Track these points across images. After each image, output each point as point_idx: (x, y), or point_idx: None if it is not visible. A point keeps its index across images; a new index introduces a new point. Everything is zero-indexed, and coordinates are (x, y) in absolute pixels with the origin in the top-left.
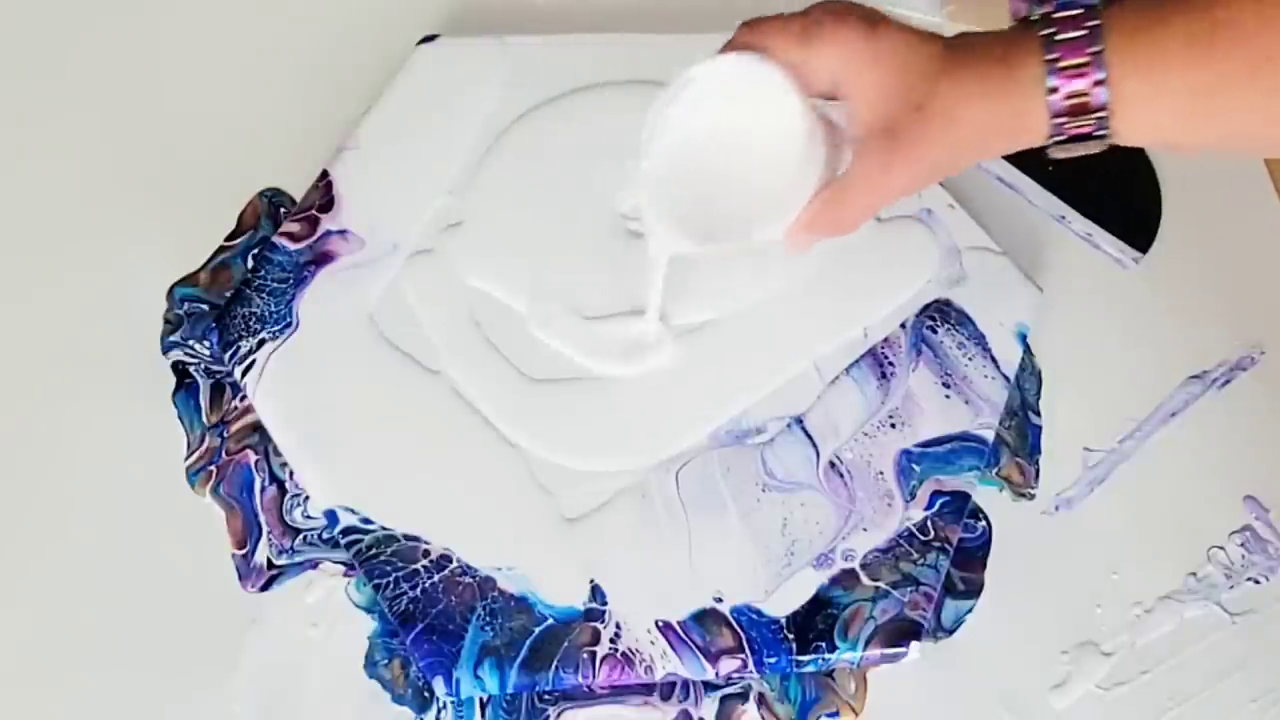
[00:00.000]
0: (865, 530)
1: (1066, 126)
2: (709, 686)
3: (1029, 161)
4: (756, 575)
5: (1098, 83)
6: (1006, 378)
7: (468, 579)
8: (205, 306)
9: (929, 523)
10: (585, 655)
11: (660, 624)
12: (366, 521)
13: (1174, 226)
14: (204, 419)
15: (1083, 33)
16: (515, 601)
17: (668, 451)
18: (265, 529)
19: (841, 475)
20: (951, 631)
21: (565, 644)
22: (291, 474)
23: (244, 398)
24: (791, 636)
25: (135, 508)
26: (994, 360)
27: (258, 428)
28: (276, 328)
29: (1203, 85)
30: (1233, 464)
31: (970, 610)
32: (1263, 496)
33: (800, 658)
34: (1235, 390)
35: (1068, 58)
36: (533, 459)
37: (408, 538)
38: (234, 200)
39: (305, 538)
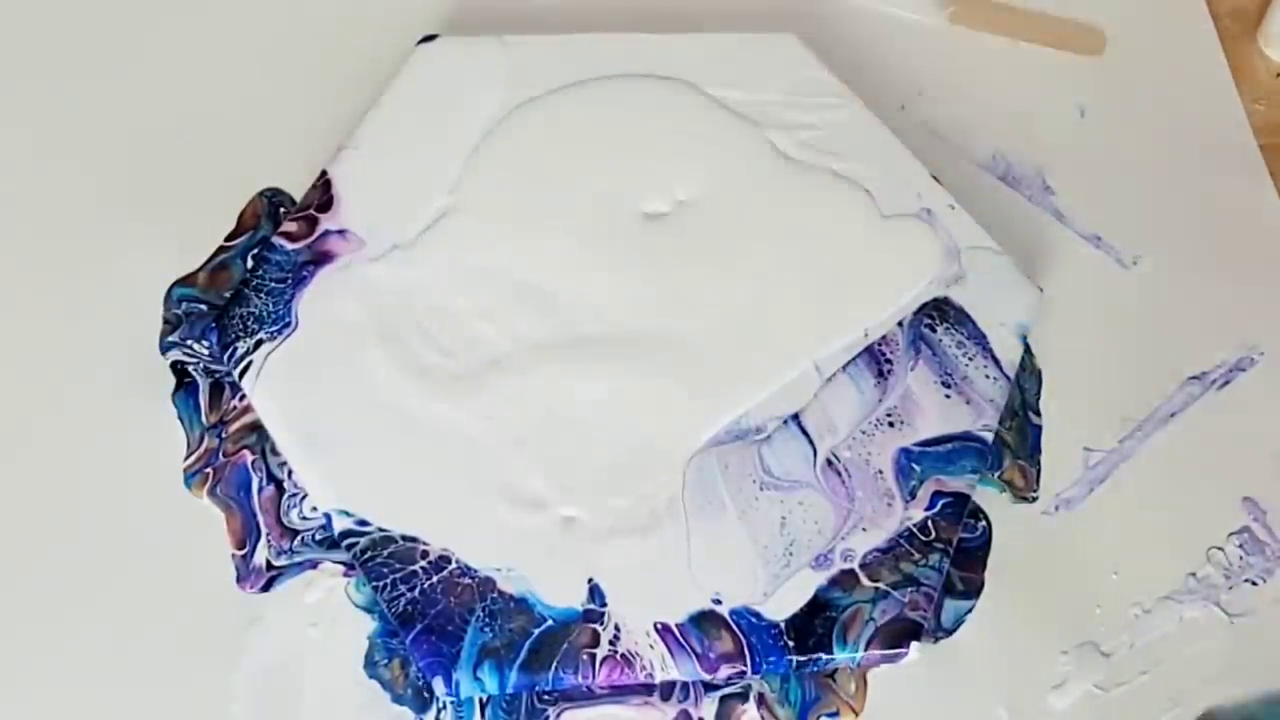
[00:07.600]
0: (864, 530)
1: None
2: (709, 686)
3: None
4: (755, 576)
5: None
6: (1008, 378)
7: (467, 580)
8: (204, 307)
9: (929, 523)
10: (585, 656)
11: (659, 626)
12: (363, 523)
13: (1174, 226)
14: (203, 419)
15: None
16: (515, 602)
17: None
18: (264, 530)
19: (840, 474)
20: (951, 632)
21: (565, 645)
22: (290, 474)
23: (242, 398)
24: (791, 641)
25: (135, 508)
26: (995, 360)
27: (255, 428)
28: (275, 328)
29: None
30: (1232, 465)
31: (970, 610)
32: (1260, 498)
33: (799, 658)
34: (1234, 391)
35: None
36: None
37: (406, 539)
38: (234, 200)
39: (303, 538)
